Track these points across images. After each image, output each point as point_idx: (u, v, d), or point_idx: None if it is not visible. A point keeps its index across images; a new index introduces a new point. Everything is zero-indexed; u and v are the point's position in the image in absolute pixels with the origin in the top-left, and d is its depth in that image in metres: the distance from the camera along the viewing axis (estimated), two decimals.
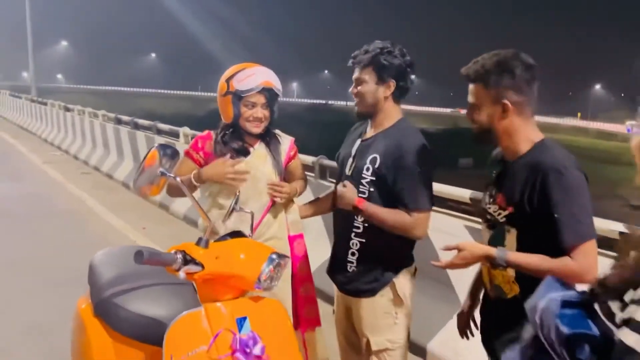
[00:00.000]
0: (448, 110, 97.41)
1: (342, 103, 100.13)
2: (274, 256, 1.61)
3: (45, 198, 7.75)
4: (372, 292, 2.21)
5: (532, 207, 1.60)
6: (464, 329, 2.15)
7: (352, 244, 2.23)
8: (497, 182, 1.76)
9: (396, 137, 2.14)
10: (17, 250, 5.31)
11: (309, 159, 4.74)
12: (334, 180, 4.72)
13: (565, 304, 1.01)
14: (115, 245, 2.41)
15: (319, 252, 4.50)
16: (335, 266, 2.35)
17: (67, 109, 13.31)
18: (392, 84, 2.14)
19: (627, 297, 0.95)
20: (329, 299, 3.77)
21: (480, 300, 2.03)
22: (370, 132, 2.24)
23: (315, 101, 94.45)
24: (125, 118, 9.81)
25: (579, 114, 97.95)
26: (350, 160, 2.26)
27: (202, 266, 1.55)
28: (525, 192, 1.62)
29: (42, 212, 6.87)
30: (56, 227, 6.26)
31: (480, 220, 1.91)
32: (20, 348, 3.41)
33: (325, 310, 3.68)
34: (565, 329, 0.97)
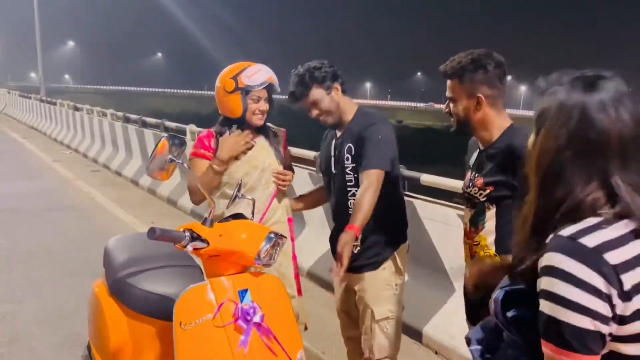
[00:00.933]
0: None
1: None
2: (272, 235, 1.78)
3: (56, 194, 7.96)
4: (374, 266, 2.42)
5: (512, 185, 1.79)
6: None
7: None
8: (476, 167, 1.94)
9: (359, 122, 2.38)
10: (32, 242, 5.53)
11: (310, 154, 4.92)
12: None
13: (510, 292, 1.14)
14: None
15: (319, 244, 4.69)
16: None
17: (76, 109, 13.52)
18: (337, 86, 2.39)
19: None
20: (329, 286, 3.94)
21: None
22: (340, 131, 2.47)
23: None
24: (133, 117, 10.00)
25: None
26: (332, 159, 2.48)
27: (208, 242, 1.72)
28: (502, 172, 1.80)
29: (53, 208, 7.08)
30: (68, 221, 6.48)
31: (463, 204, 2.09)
32: (39, 332, 3.60)
33: (324, 296, 3.90)
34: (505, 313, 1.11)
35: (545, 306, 0.98)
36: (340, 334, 2.78)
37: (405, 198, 3.91)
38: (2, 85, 41.40)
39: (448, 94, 1.93)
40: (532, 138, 1.13)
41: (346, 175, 2.40)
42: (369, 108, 2.54)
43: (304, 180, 4.78)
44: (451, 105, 1.93)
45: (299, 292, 2.65)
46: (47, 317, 3.81)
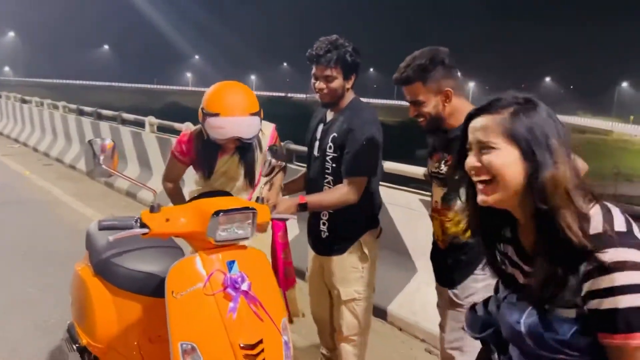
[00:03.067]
0: None
1: (302, 96, 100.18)
2: (220, 211, 1.84)
3: (10, 188, 7.78)
4: (342, 251, 2.55)
5: None
6: None
7: (322, 215, 2.57)
8: (446, 148, 2.12)
9: (349, 115, 2.47)
10: None
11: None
12: (301, 164, 5.08)
13: None
14: (84, 231, 2.65)
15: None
16: (312, 235, 2.69)
17: (24, 101, 13.14)
18: (353, 79, 2.48)
19: (572, 282, 1.10)
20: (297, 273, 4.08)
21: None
22: (330, 116, 2.57)
23: (274, 94, 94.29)
24: (87, 109, 9.84)
25: None
26: (317, 143, 2.59)
27: (149, 229, 1.85)
28: None
29: (8, 201, 6.94)
30: (27, 214, 6.38)
31: (430, 183, 2.25)
32: (7, 321, 3.61)
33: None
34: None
35: (622, 301, 1.01)
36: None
37: (388, 187, 4.13)
38: None
39: (411, 98, 2.07)
40: (508, 158, 1.14)
41: (325, 163, 2.50)
42: (362, 102, 2.57)
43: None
44: (419, 108, 2.06)
45: (295, 281, 2.78)
46: (14, 306, 3.82)
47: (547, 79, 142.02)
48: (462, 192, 2.02)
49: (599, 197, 1.13)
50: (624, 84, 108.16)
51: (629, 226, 1.08)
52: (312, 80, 2.48)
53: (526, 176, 1.12)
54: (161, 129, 7.75)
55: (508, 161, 1.14)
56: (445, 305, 2.24)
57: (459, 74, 2.10)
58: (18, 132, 12.87)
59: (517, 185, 1.14)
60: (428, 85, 2.03)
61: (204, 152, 2.57)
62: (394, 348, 3.49)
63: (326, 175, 2.52)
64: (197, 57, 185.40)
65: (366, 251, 2.56)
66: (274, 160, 2.19)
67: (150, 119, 7.65)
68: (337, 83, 2.43)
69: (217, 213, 1.84)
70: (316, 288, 2.79)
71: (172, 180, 2.74)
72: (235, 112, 2.39)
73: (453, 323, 2.19)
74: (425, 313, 3.55)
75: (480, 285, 2.08)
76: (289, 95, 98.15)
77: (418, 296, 3.73)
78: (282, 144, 2.86)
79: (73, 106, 10.50)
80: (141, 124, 8.04)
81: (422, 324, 3.57)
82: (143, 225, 1.84)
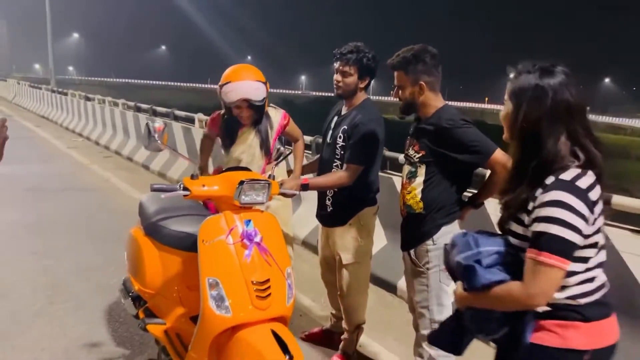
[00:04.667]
0: (457, 103, 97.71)
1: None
2: (244, 180, 2.37)
3: (74, 177, 8.66)
4: (343, 222, 3.07)
5: (437, 150, 2.45)
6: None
7: (328, 192, 3.09)
8: (414, 135, 2.60)
9: (358, 112, 2.98)
10: (57, 215, 6.25)
11: (307, 138, 5.59)
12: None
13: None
14: (138, 214, 3.25)
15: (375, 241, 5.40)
16: (320, 209, 3.22)
17: (88, 99, 14.22)
18: (367, 80, 2.99)
19: (530, 207, 1.50)
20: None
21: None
22: (344, 111, 3.09)
23: (323, 93, 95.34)
24: (144, 106, 10.69)
25: (587, 107, 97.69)
26: (330, 132, 3.11)
27: (190, 191, 2.39)
28: (431, 142, 2.46)
29: (72, 187, 7.80)
30: (87, 198, 7.19)
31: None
32: (76, 281, 4.32)
33: (316, 260, 4.61)
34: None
35: (548, 227, 1.43)
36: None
37: (387, 175, 4.61)
38: (8, 76, 42.11)
39: (396, 82, 2.57)
40: (509, 111, 1.57)
41: (336, 150, 3.02)
42: (371, 104, 3.05)
43: None
44: (399, 91, 2.56)
45: None
46: (80, 271, 4.52)
47: (607, 80, 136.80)
48: (421, 172, 2.50)
49: (592, 169, 1.50)
50: None
51: (587, 185, 1.46)
52: (334, 75, 3.00)
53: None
54: None
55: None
56: (409, 272, 2.71)
57: (438, 73, 2.54)
58: (82, 127, 13.95)
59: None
60: (408, 75, 2.51)
61: (227, 126, 3.16)
62: (401, 315, 3.96)
63: (335, 160, 3.02)
64: (249, 57, 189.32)
65: (363, 224, 3.05)
66: (282, 148, 2.74)
67: (199, 116, 8.35)
68: (351, 79, 2.95)
69: (242, 182, 2.39)
70: (325, 256, 3.31)
71: (203, 152, 3.36)
72: (243, 77, 2.99)
73: (418, 286, 2.65)
74: None
75: (432, 254, 2.55)
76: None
77: None
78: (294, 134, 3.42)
79: (131, 103, 11.39)
80: (191, 120, 8.77)
81: None
82: (185, 189, 2.41)
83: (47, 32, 23.94)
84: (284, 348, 2.15)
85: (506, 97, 1.61)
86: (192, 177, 2.45)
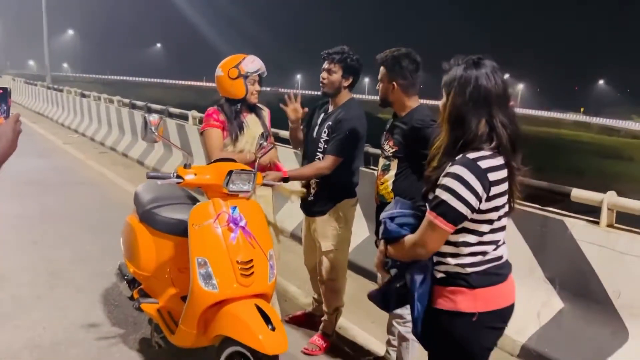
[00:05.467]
0: None
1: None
2: (232, 170, 2.62)
3: (71, 171, 8.89)
4: (323, 213, 3.33)
5: (408, 146, 2.71)
6: None
7: (312, 183, 3.35)
8: (390, 131, 2.86)
9: (342, 110, 3.25)
10: (58, 207, 6.50)
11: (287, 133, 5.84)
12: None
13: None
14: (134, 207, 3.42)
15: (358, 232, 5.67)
16: (303, 199, 3.48)
17: (83, 95, 14.40)
18: (350, 79, 3.25)
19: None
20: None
21: None
22: (330, 108, 3.35)
23: (318, 93, 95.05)
24: (139, 103, 10.92)
25: (582, 109, 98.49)
26: (317, 127, 3.36)
27: (183, 179, 2.64)
28: (403, 138, 2.73)
29: (70, 181, 8.03)
30: (84, 192, 7.43)
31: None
32: (75, 269, 4.56)
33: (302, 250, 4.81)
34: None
35: (441, 194, 1.70)
36: None
37: (370, 170, 4.87)
38: (2, 72, 42.19)
39: (379, 76, 2.82)
40: (443, 100, 1.80)
41: (319, 144, 3.28)
42: (356, 103, 3.32)
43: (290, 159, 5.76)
44: (379, 85, 2.83)
45: None
46: (79, 259, 4.77)
47: (601, 82, 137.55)
48: (393, 165, 2.76)
49: (502, 154, 1.74)
50: None
51: (488, 166, 1.70)
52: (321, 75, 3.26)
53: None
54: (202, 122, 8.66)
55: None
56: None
57: (415, 77, 2.78)
58: (77, 123, 14.13)
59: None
60: (386, 72, 2.78)
61: (231, 116, 3.28)
62: None
63: (318, 153, 3.28)
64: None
65: (342, 214, 3.32)
66: (264, 143, 3.00)
67: (193, 113, 8.60)
68: (335, 77, 3.22)
69: (230, 172, 2.64)
70: (307, 243, 3.59)
71: (221, 148, 3.26)
72: (249, 55, 3.25)
73: None
74: None
75: None
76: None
77: None
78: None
79: (126, 100, 11.62)
80: (185, 117, 9.01)
81: None
82: (178, 177, 2.65)
83: (42, 28, 24.00)
84: (267, 320, 2.41)
85: (442, 87, 1.86)
86: (185, 166, 2.70)
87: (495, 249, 1.83)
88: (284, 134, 5.80)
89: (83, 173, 8.83)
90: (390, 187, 2.81)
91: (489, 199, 1.72)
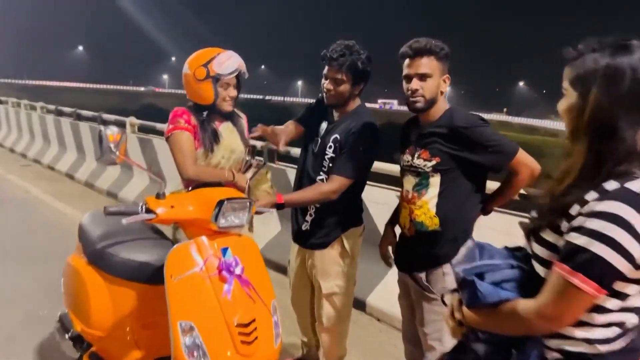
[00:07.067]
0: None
1: (279, 99, 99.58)
2: (224, 200, 1.98)
3: None
4: (324, 245, 2.68)
5: (454, 156, 2.18)
6: (386, 259, 2.64)
7: (310, 208, 2.68)
8: (418, 142, 2.29)
9: (353, 120, 2.57)
10: None
11: (258, 144, 5.16)
12: (283, 163, 5.18)
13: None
14: (67, 229, 2.70)
15: (270, 228, 5.01)
16: (296, 228, 2.79)
17: (0, 102, 12.98)
18: (361, 87, 2.60)
19: (573, 211, 1.21)
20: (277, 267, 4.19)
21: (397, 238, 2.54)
22: (336, 117, 2.67)
23: (251, 96, 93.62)
24: (66, 109, 9.81)
25: (505, 109, 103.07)
26: (318, 139, 2.67)
27: (155, 214, 1.96)
28: (445, 145, 2.19)
29: None
30: (7, 214, 6.40)
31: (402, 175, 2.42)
32: (2, 312, 3.69)
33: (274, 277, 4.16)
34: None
35: (591, 244, 1.14)
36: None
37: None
38: None
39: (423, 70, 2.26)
40: (571, 101, 1.26)
41: (323, 161, 2.59)
42: (367, 109, 2.68)
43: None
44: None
45: None
46: (5, 299, 3.88)
47: (521, 83, 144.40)
48: (434, 182, 2.21)
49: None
50: None
51: None
52: (323, 80, 2.58)
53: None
54: (141, 129, 7.77)
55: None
56: (416, 298, 2.40)
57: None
58: None
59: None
60: (439, 65, 2.26)
61: (204, 122, 2.57)
62: (373, 336, 3.65)
63: (321, 173, 2.60)
64: (173, 58, 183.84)
65: (347, 247, 2.67)
66: (252, 160, 2.35)
67: (131, 120, 7.69)
68: (344, 87, 2.54)
69: (221, 202, 1.98)
70: (299, 279, 2.90)
71: (195, 159, 2.54)
72: (225, 50, 2.56)
73: (429, 315, 2.33)
74: None
75: (450, 278, 2.19)
76: (267, 98, 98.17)
77: (396, 288, 3.88)
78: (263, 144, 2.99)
79: (51, 107, 10.44)
80: (122, 125, 8.06)
81: (399, 314, 3.73)
82: (149, 211, 1.96)
83: None
84: None
85: (566, 85, 1.29)
86: (158, 196, 2.01)
87: (634, 317, 1.26)
88: (262, 145, 5.13)
89: (3, 190, 7.70)
90: (434, 210, 2.23)
91: None
